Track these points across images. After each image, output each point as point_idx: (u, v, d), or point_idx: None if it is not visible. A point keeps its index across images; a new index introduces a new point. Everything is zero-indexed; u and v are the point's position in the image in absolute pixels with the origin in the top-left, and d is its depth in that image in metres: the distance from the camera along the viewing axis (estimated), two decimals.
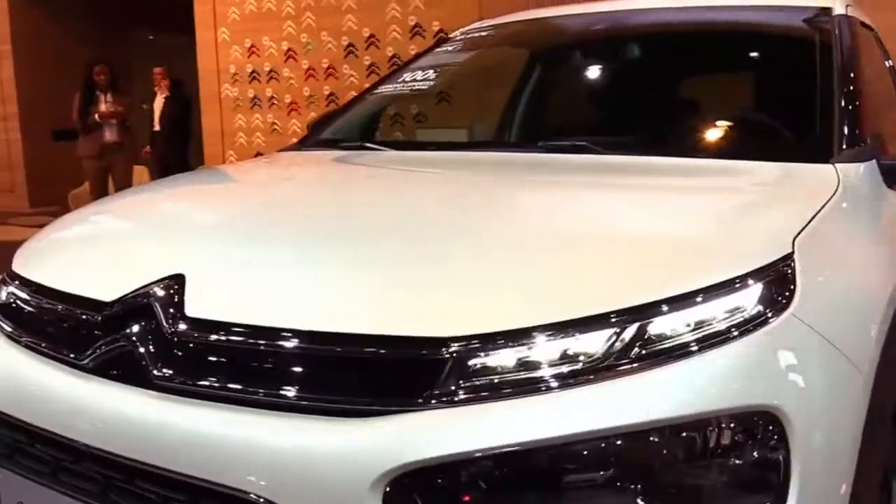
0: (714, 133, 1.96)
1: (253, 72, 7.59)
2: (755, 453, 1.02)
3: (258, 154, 7.44)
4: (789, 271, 1.14)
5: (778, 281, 1.12)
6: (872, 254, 1.45)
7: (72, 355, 1.26)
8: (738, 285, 1.08)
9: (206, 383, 1.10)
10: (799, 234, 1.21)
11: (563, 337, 1.01)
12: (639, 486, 0.98)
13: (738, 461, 1.01)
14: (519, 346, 1.01)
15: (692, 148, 1.82)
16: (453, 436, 0.96)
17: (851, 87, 1.87)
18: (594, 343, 1.01)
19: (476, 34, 2.56)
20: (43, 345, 1.34)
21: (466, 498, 0.97)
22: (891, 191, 1.79)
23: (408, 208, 1.50)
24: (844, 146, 1.69)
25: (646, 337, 1.02)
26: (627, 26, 2.43)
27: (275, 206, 1.61)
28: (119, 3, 10.32)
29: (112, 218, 1.75)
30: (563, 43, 2.61)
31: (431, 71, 2.37)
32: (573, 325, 1.02)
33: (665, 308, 1.04)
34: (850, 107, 1.81)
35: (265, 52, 7.51)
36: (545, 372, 1.00)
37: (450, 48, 2.52)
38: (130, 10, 10.49)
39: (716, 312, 1.06)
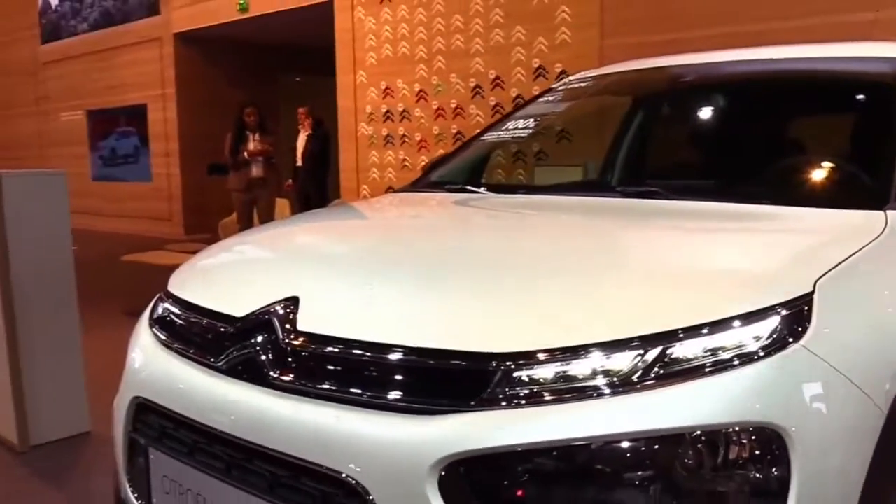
0: (775, 181, 2.08)
1: (387, 112, 8.04)
2: (757, 465, 1.16)
3: (389, 188, 7.85)
4: (806, 308, 1.27)
5: (793, 316, 1.26)
6: None
7: (210, 359, 1.54)
8: (755, 318, 1.24)
9: (311, 384, 1.35)
10: (823, 276, 1.34)
11: (594, 356, 1.20)
12: (650, 485, 1.14)
13: (741, 470, 1.16)
14: (556, 362, 1.20)
15: (751, 194, 1.94)
16: (494, 433, 1.17)
17: None
18: (621, 362, 1.19)
19: (573, 85, 2.77)
20: (188, 350, 1.63)
21: (504, 484, 1.17)
22: None
23: (482, 243, 1.73)
24: None
25: (666, 359, 1.19)
26: (712, 77, 2.56)
27: (375, 241, 1.88)
28: (268, 49, 11.12)
29: (247, 248, 2.07)
30: (649, 94, 2.76)
31: (532, 120, 2.59)
32: (605, 346, 1.20)
33: (684, 335, 1.21)
34: None
35: (399, 93, 7.95)
36: (574, 385, 1.18)
37: (550, 98, 2.73)
38: (279, 55, 11.27)
39: (732, 340, 1.21)
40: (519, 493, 1.17)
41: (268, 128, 7.69)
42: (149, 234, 10.96)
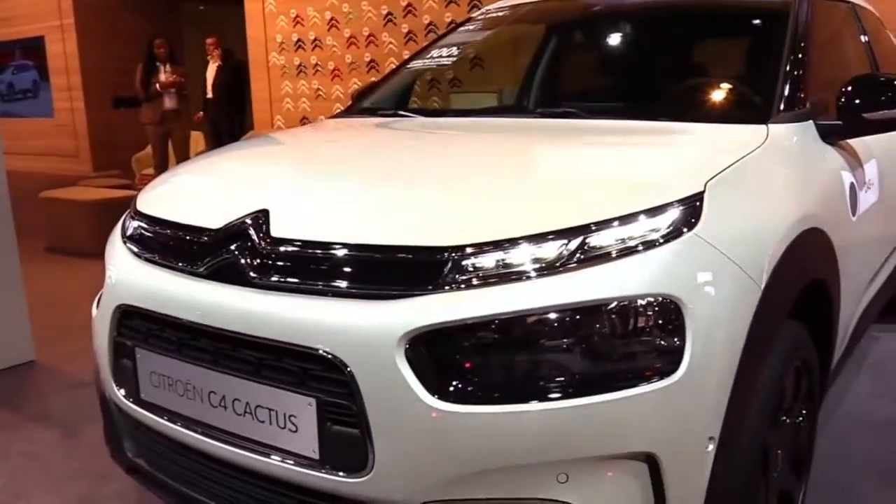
0: (674, 100, 2.40)
1: (298, 40, 8.05)
2: (660, 330, 1.45)
3: (304, 119, 7.92)
4: (698, 204, 1.58)
5: (688, 211, 1.56)
6: (782, 194, 1.87)
7: (189, 266, 1.75)
8: (656, 212, 1.53)
9: (287, 280, 1.60)
10: (712, 178, 1.65)
11: (527, 246, 1.48)
12: (574, 348, 1.43)
13: (647, 336, 1.45)
14: (495, 252, 1.48)
15: (653, 112, 2.24)
16: (447, 310, 1.44)
17: (796, 58, 2.27)
18: (549, 250, 1.47)
19: (491, 14, 3.03)
20: (166, 260, 1.83)
21: (457, 351, 1.45)
22: (827, 145, 2.21)
23: (423, 158, 2.00)
24: (782, 109, 2.12)
25: (585, 246, 1.48)
26: (620, 6, 2.85)
27: (327, 161, 2.12)
28: None
29: (210, 170, 2.26)
30: (561, 23, 3.02)
31: (455, 48, 2.84)
32: (535, 238, 1.48)
33: (599, 227, 1.49)
34: (791, 75, 2.22)
35: (309, 21, 7.96)
36: (513, 269, 1.46)
37: (470, 27, 2.98)
38: None
39: (639, 230, 1.51)
40: (469, 358, 1.45)
41: (178, 59, 7.63)
42: (55, 173, 10.66)
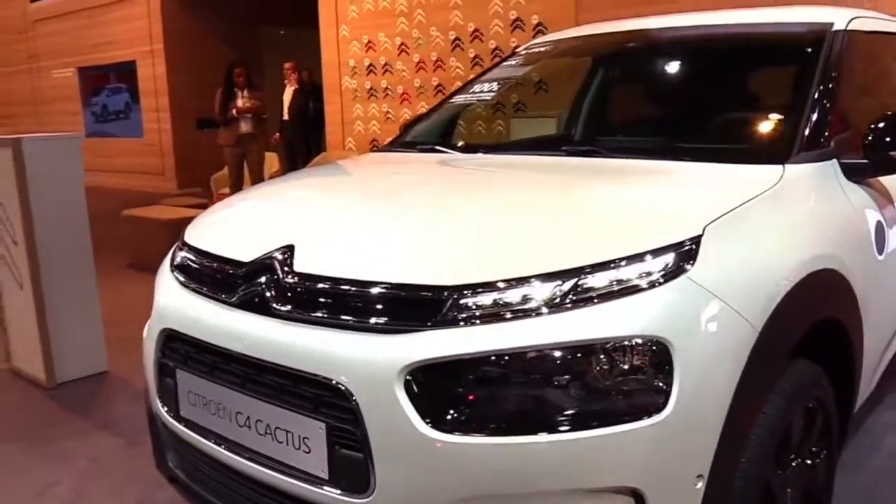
0: (693, 139, 2.43)
1: (370, 65, 8.26)
2: (648, 370, 1.51)
3: (374, 141, 8.13)
4: (694, 247, 1.63)
5: (683, 254, 1.61)
6: (790, 235, 1.88)
7: (224, 295, 1.90)
8: (651, 255, 1.59)
9: (304, 312, 1.72)
10: (713, 221, 1.70)
11: (522, 287, 1.56)
12: (565, 385, 1.50)
13: (636, 374, 1.51)
14: (492, 292, 1.56)
15: (673, 152, 2.28)
16: (444, 345, 1.53)
17: (823, 94, 2.27)
18: (544, 291, 1.55)
19: (534, 50, 3.11)
20: (205, 289, 1.99)
21: (452, 384, 1.53)
22: (853, 184, 2.22)
23: (439, 197, 2.11)
24: (802, 149, 2.13)
25: (579, 287, 1.55)
26: (652, 42, 2.89)
27: (353, 196, 2.25)
28: (253, 2, 11.21)
29: (250, 203, 2.43)
30: (598, 57, 3.08)
31: (496, 83, 2.94)
32: (530, 279, 1.56)
33: (595, 268, 1.56)
34: (816, 113, 2.22)
35: (381, 46, 8.16)
36: (507, 308, 1.54)
37: (512, 62, 3.08)
38: (263, 7, 11.36)
39: (632, 273, 1.57)
40: (463, 391, 1.54)
41: (256, 85, 7.95)
42: (144, 189, 11.23)
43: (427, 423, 1.53)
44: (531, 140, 3.27)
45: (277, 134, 8.99)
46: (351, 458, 1.61)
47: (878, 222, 2.24)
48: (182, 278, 2.12)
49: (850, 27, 2.58)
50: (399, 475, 1.56)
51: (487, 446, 1.51)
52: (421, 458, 1.54)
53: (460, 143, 2.90)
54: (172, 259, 2.25)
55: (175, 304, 2.08)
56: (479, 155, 2.65)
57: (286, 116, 8.89)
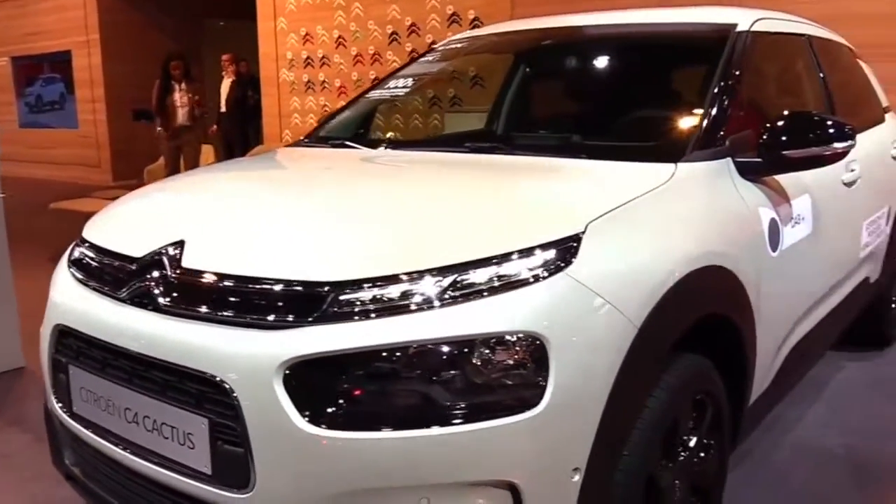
0: (593, 137, 2.46)
1: (307, 58, 8.22)
2: (525, 365, 1.52)
3: None
4: (575, 244, 1.65)
5: (564, 250, 1.63)
6: (676, 233, 1.90)
7: (115, 291, 1.88)
8: (532, 252, 1.61)
9: (189, 308, 1.71)
10: (596, 219, 1.72)
11: (402, 283, 1.56)
12: (442, 381, 1.51)
13: (513, 369, 1.52)
14: (373, 288, 1.57)
15: (573, 150, 2.31)
16: (322, 341, 1.53)
17: (721, 95, 2.32)
18: (424, 286, 1.56)
19: (452, 46, 3.12)
20: (97, 285, 1.96)
21: (331, 379, 1.53)
22: (748, 182, 2.26)
23: (331, 193, 2.10)
24: (697, 148, 2.17)
25: (458, 283, 1.56)
26: (565, 40, 2.92)
27: (247, 193, 2.24)
28: None
29: (148, 198, 2.40)
30: (508, 55, 3.08)
31: (411, 79, 2.94)
32: (410, 276, 1.57)
33: (475, 264, 1.57)
34: (713, 112, 2.27)
35: (318, 39, 8.12)
36: (387, 305, 1.54)
37: (429, 58, 3.08)
38: (203, 0, 11.19)
39: (513, 270, 1.58)
40: (341, 387, 1.54)
41: (194, 77, 7.85)
42: (78, 181, 10.98)
43: (306, 419, 1.53)
44: (440, 137, 3.28)
45: (215, 126, 8.88)
46: (232, 454, 1.60)
47: (773, 220, 2.29)
48: (77, 274, 2.08)
49: (754, 28, 2.64)
50: (278, 471, 1.56)
51: (365, 441, 1.51)
52: (299, 454, 1.54)
53: (370, 139, 2.89)
54: (70, 254, 2.21)
55: (68, 300, 2.05)
56: (386, 151, 2.65)
57: (224, 108, 8.79)
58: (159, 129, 7.81)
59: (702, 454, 2.06)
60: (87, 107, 11.64)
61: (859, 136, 3.21)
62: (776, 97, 2.91)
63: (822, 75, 3.11)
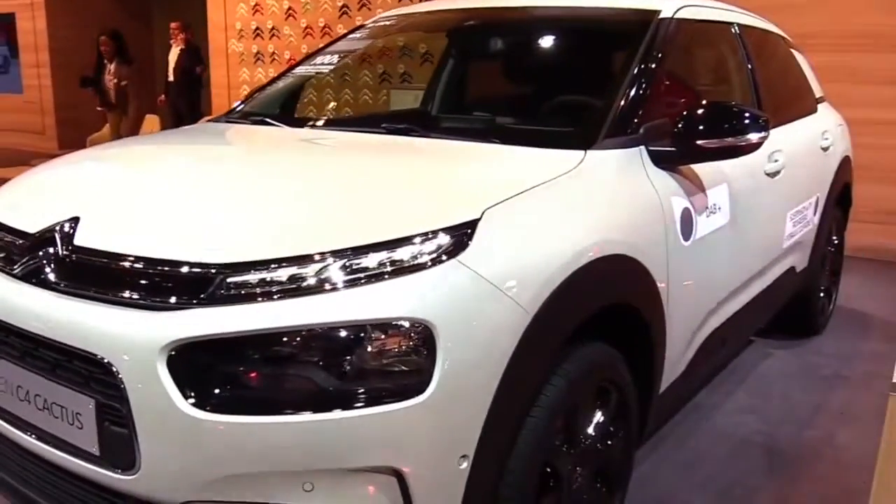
0: (512, 122, 2.45)
1: (257, 28, 8.09)
2: (410, 352, 1.51)
3: None
4: (469, 231, 1.64)
5: (457, 237, 1.62)
6: (577, 221, 1.89)
7: (9, 267, 1.85)
8: (423, 238, 1.59)
9: (80, 287, 1.68)
10: (494, 206, 1.71)
11: (288, 266, 1.54)
12: (324, 364, 1.49)
13: (396, 354, 1.51)
14: (259, 271, 1.54)
15: (484, 133, 2.28)
16: (206, 324, 1.50)
17: (637, 82, 2.31)
18: (311, 271, 1.54)
19: (377, 24, 3.08)
20: None
21: (213, 362, 1.52)
22: (661, 171, 2.25)
23: (235, 173, 2.07)
24: (609, 135, 2.16)
25: (348, 268, 1.54)
26: (479, 22, 2.88)
27: (149, 169, 2.19)
28: None
29: (50, 173, 2.34)
30: (431, 34, 3.04)
31: (336, 56, 2.89)
32: (298, 259, 1.54)
33: (362, 250, 1.55)
34: (627, 100, 2.26)
35: (268, 10, 7.99)
36: (275, 288, 1.52)
37: (357, 35, 3.04)
38: None
39: (404, 255, 1.56)
40: (225, 370, 1.53)
41: (126, 58, 7.77)
42: (22, 148, 10.72)
43: (189, 402, 1.51)
44: (361, 117, 3.24)
45: (163, 96, 8.70)
46: (118, 435, 1.58)
47: (685, 209, 2.30)
48: None
49: (678, 15, 2.64)
50: (162, 453, 1.54)
51: (248, 426, 1.49)
52: (182, 437, 1.52)
53: (291, 117, 2.84)
54: None
55: None
56: (303, 131, 2.60)
57: (171, 78, 8.60)
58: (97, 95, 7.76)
59: (607, 441, 2.08)
60: (32, 72, 11.31)
61: (787, 127, 3.31)
62: (699, 86, 2.92)
63: (749, 65, 3.12)
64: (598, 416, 2.04)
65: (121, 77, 7.61)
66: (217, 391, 1.52)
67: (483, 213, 1.69)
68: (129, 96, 7.84)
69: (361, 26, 3.18)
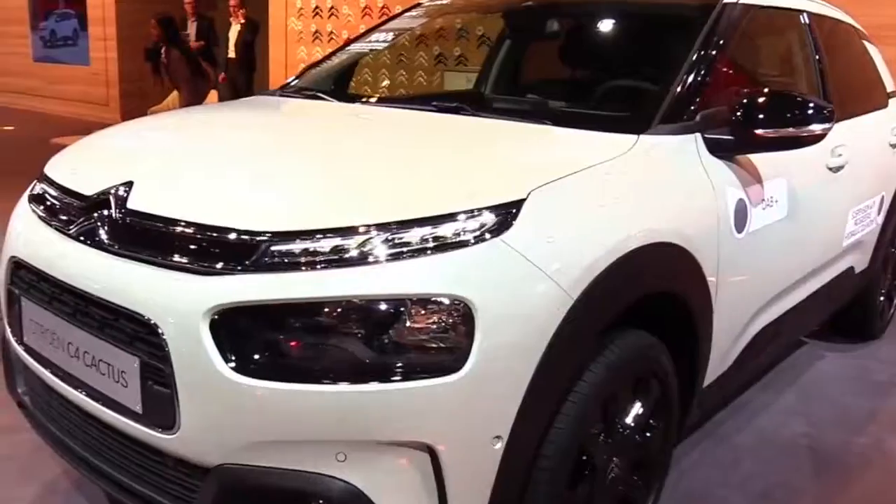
0: (562, 102, 2.41)
1: (316, 7, 8.12)
2: (448, 327, 1.51)
3: None
4: (514, 210, 1.62)
5: (501, 216, 1.60)
6: (627, 206, 1.85)
7: (65, 227, 1.89)
8: (467, 215, 1.58)
9: (130, 248, 1.71)
10: (541, 186, 1.69)
11: (333, 237, 1.54)
12: (363, 336, 1.50)
13: (435, 330, 1.50)
14: (304, 240, 1.55)
15: (538, 115, 2.23)
16: (250, 290, 1.52)
17: (695, 69, 2.25)
18: (355, 243, 1.54)
19: (437, 3, 3.07)
20: (51, 220, 1.97)
21: (255, 329, 1.53)
22: (717, 159, 2.19)
23: (286, 144, 2.08)
24: (664, 121, 2.12)
25: (390, 242, 1.54)
26: (538, 5, 2.84)
27: (204, 137, 2.22)
28: None
29: (110, 139, 2.39)
30: (489, 14, 3.00)
31: (391, 34, 2.89)
32: (343, 231, 1.55)
33: (406, 224, 1.55)
34: (685, 85, 2.21)
35: None
36: (318, 258, 1.53)
37: (413, 14, 3.03)
38: None
39: (447, 231, 1.56)
40: (266, 337, 1.54)
41: (178, 40, 7.91)
42: (87, 119, 10.98)
43: (230, 366, 1.53)
44: (413, 95, 3.23)
45: (223, 74, 8.84)
46: (161, 395, 1.61)
47: (740, 200, 2.24)
48: (35, 209, 2.09)
49: (745, 0, 2.56)
50: (201, 414, 1.57)
51: (285, 392, 1.51)
52: (221, 400, 1.54)
53: (344, 93, 2.85)
54: (32, 189, 2.22)
55: (24, 233, 2.06)
56: (354, 106, 2.61)
57: (232, 54, 8.72)
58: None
59: (646, 433, 2.05)
60: (99, 44, 11.59)
61: (854, 121, 3.19)
62: (762, 74, 2.83)
63: (816, 55, 3.02)
64: (638, 407, 2.00)
65: (170, 61, 7.76)
66: (257, 357, 1.54)
67: (529, 193, 1.67)
68: (179, 79, 7.99)
69: (418, 5, 3.16)
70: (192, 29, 9.03)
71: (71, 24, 12.28)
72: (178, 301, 1.58)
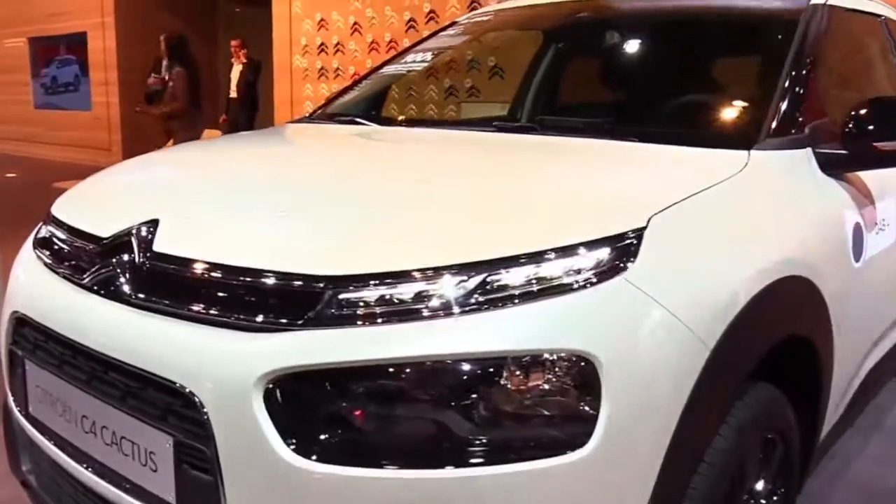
0: (650, 119, 2.11)
1: (321, 44, 8.01)
2: (569, 393, 1.20)
3: None
4: (635, 242, 1.31)
5: (620, 249, 1.30)
6: (752, 234, 1.57)
7: (77, 276, 1.59)
8: (580, 250, 1.28)
9: (160, 301, 1.40)
10: (660, 212, 1.38)
11: (417, 282, 1.24)
12: (463, 407, 1.19)
13: (553, 396, 1.20)
14: (381, 286, 1.25)
15: (626, 132, 1.94)
16: (315, 350, 1.22)
17: (797, 75, 1.98)
18: (443, 287, 1.23)
19: (475, 20, 2.81)
20: (61, 268, 1.67)
21: (324, 400, 1.23)
22: (829, 178, 1.91)
23: (336, 175, 1.77)
24: (772, 134, 1.83)
25: (488, 285, 1.23)
26: (609, 15, 2.59)
27: (237, 170, 1.92)
28: None
29: (125, 174, 2.10)
30: (542, 30, 2.76)
31: (429, 53, 2.62)
32: (427, 273, 1.24)
33: (508, 263, 1.25)
34: (788, 94, 1.93)
35: (333, 25, 7.90)
36: (397, 308, 1.23)
37: (451, 32, 2.76)
38: None
39: (555, 271, 1.25)
40: (337, 410, 1.23)
41: (182, 57, 7.68)
42: (89, 164, 10.80)
43: (291, 447, 1.22)
44: (462, 119, 2.96)
45: (224, 115, 8.65)
46: (200, 482, 1.30)
47: (857, 224, 1.94)
48: (41, 255, 1.80)
49: (831, 2, 2.30)
50: None
51: (362, 480, 1.19)
52: (280, 490, 1.23)
53: (382, 116, 2.55)
54: (37, 233, 1.92)
55: (28, 284, 1.78)
56: (399, 128, 2.31)
57: (234, 94, 8.55)
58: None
59: (768, 500, 1.73)
60: (101, 89, 11.62)
61: None
62: (852, 82, 2.55)
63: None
64: (763, 472, 1.68)
65: (169, 76, 7.53)
66: (325, 436, 1.23)
67: (649, 220, 1.36)
68: (167, 94, 7.75)
69: (455, 23, 2.89)
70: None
71: (72, 70, 12.41)
72: (224, 365, 1.27)
